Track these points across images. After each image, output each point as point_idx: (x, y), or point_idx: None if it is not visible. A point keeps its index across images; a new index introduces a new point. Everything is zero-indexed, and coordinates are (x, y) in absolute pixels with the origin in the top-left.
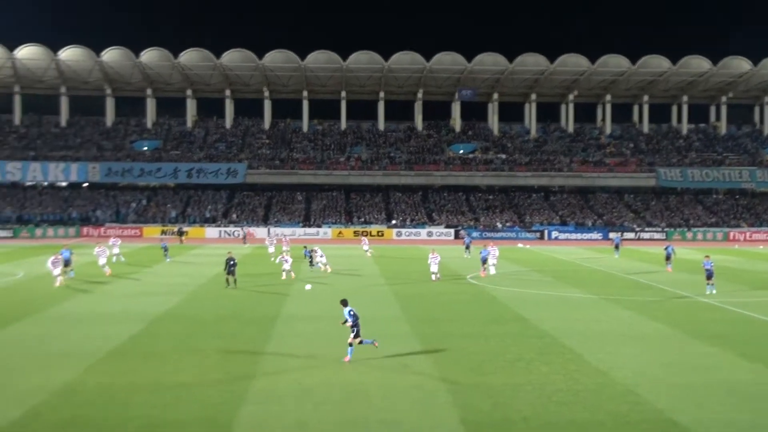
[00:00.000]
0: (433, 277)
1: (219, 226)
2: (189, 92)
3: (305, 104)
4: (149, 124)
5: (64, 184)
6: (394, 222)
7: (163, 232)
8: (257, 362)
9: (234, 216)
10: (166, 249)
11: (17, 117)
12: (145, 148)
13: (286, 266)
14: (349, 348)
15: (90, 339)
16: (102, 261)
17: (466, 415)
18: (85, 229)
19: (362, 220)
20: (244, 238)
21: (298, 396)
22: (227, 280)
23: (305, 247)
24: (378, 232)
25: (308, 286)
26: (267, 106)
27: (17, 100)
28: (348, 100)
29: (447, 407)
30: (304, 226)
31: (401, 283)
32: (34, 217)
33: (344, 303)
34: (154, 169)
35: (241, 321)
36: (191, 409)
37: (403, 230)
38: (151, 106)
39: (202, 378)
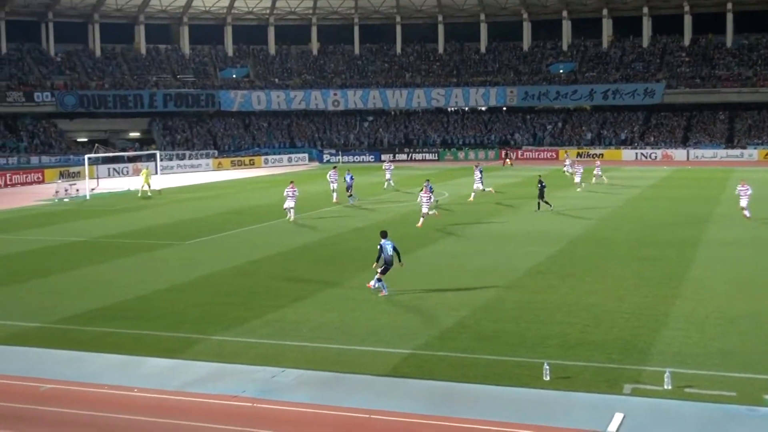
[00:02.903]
0: (746, 213)
1: (635, 148)
2: (605, 12)
3: (729, 17)
4: (565, 47)
5: (483, 108)
6: None
7: (579, 155)
8: (677, 287)
9: (651, 138)
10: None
11: (441, 46)
12: (561, 71)
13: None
14: (380, 282)
15: (511, 257)
16: (333, 186)
17: None
18: (503, 152)
19: None
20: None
21: (722, 324)
22: (538, 204)
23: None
24: None
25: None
26: (687, 21)
27: (441, 30)
28: None
29: None
30: (726, 148)
31: None
32: (456, 140)
33: (382, 234)
34: (569, 91)
35: (658, 245)
36: (608, 330)
37: None
38: (566, 28)
39: (620, 300)
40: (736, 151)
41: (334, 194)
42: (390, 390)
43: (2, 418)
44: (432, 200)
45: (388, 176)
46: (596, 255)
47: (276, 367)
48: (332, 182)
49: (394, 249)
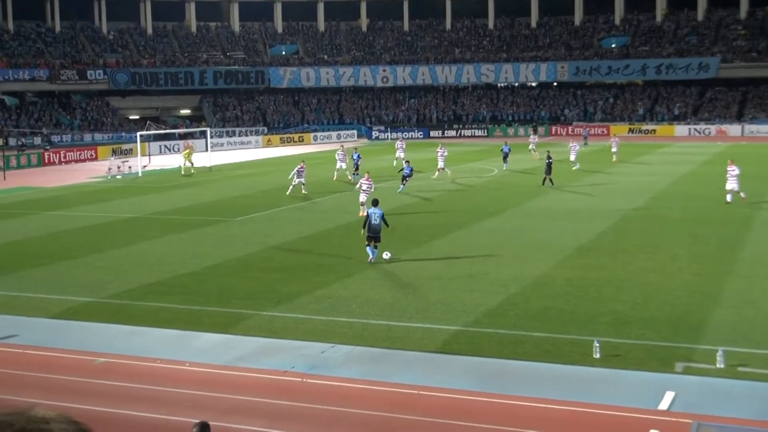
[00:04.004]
0: (742, 195)
1: (688, 124)
2: None
3: None
4: (617, 21)
5: (533, 84)
6: None
7: (631, 131)
8: (731, 265)
9: (705, 113)
10: (506, 156)
11: (491, 21)
12: (613, 46)
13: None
14: (368, 248)
15: (560, 234)
16: (340, 165)
17: None
18: (553, 128)
19: None
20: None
21: None
22: (544, 180)
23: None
24: None
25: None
26: None
27: (491, 5)
28: None
29: None
30: None
31: None
32: (506, 116)
33: (374, 203)
34: (621, 66)
35: (712, 222)
36: (660, 308)
37: None
38: (619, 2)
39: (672, 277)
40: None
41: (336, 173)
42: (439, 366)
43: (58, 390)
44: (373, 188)
45: (400, 154)
46: (648, 232)
47: (325, 342)
48: (339, 161)
49: (382, 217)
